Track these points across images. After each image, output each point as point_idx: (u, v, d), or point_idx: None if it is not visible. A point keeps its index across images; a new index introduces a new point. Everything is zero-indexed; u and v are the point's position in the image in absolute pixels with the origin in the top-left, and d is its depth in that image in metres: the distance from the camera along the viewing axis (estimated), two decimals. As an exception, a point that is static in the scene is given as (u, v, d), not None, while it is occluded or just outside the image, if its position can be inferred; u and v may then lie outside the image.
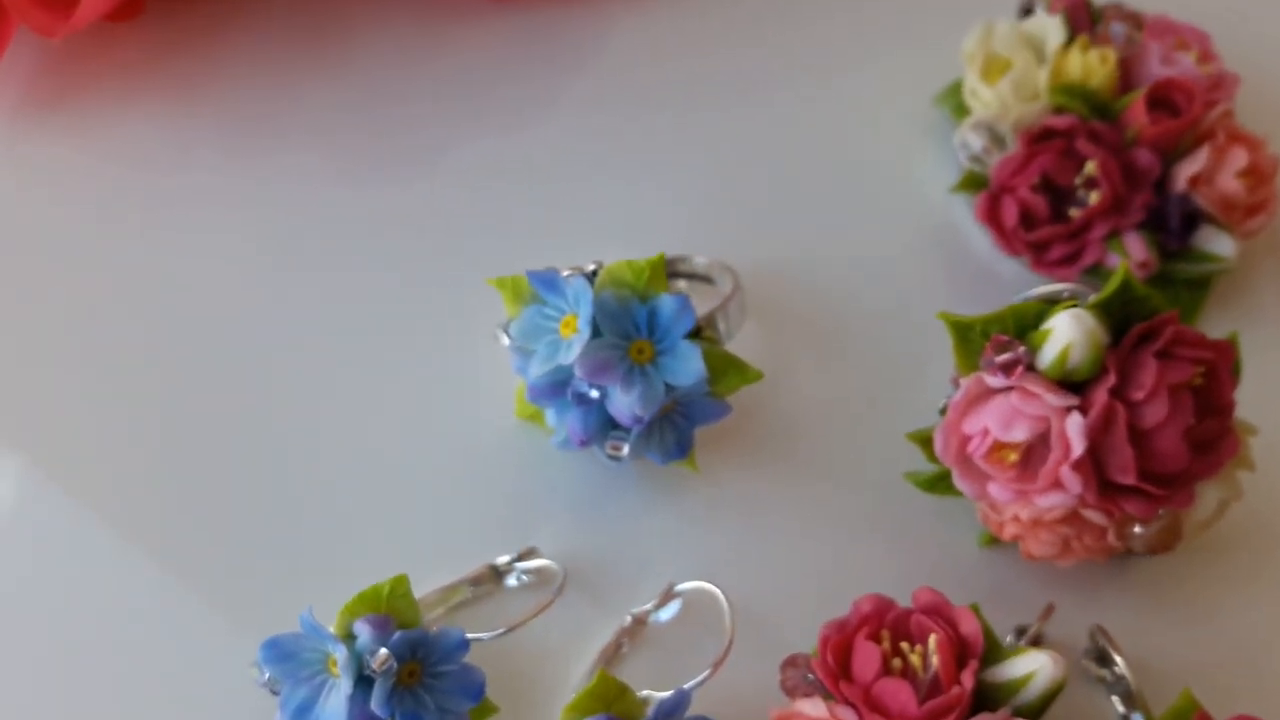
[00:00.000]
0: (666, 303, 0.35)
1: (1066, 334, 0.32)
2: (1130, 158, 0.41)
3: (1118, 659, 0.35)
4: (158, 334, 0.42)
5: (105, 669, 0.37)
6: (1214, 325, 0.44)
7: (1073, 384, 0.34)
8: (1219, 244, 0.41)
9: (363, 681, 0.33)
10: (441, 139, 0.46)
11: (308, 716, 0.34)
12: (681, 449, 0.38)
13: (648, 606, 0.37)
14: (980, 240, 0.44)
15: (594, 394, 0.35)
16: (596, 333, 0.36)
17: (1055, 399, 0.33)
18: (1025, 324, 0.34)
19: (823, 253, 0.43)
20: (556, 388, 0.36)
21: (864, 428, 0.41)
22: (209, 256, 0.43)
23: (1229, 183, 0.41)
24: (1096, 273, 0.42)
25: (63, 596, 0.38)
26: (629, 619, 0.37)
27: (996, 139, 0.43)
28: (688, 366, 0.35)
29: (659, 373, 0.36)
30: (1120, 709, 0.37)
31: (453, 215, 0.44)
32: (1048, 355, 0.33)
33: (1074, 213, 0.41)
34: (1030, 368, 0.34)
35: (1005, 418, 0.33)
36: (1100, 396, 0.33)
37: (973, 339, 0.34)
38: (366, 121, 0.47)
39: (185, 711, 0.36)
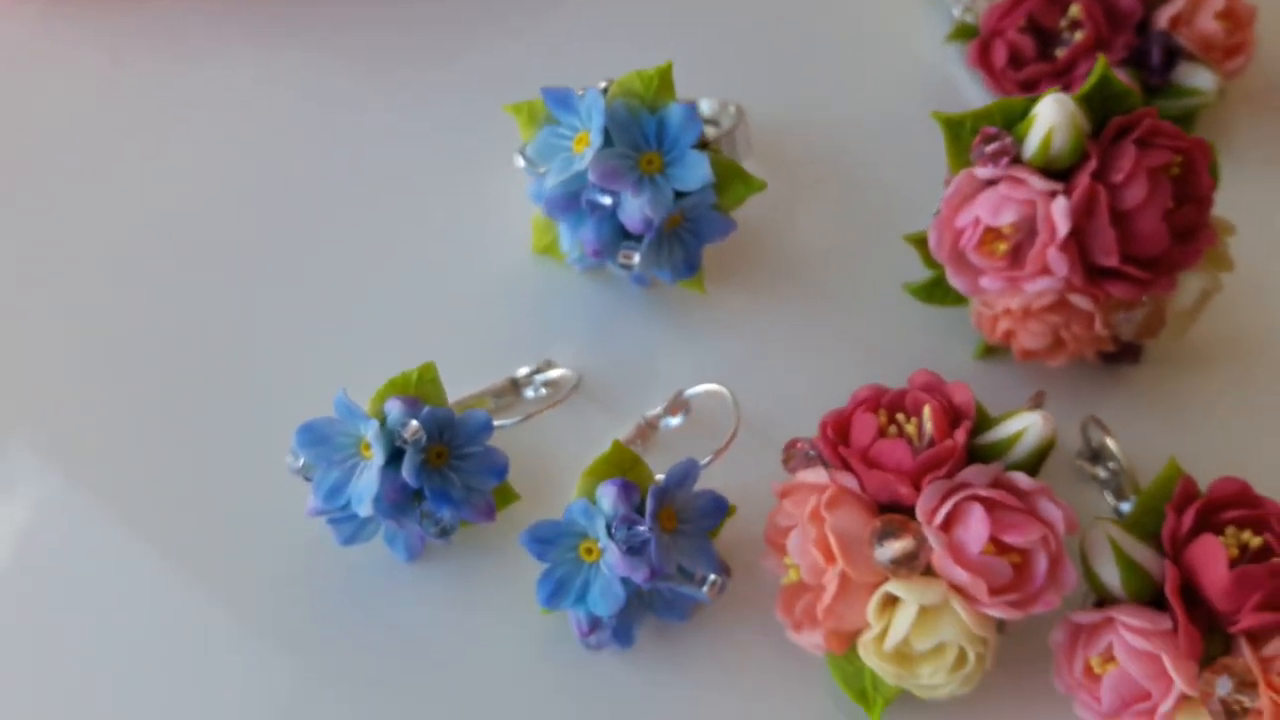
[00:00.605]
0: (674, 112, 0.37)
1: (1049, 117, 0.35)
2: (1112, 1, 0.44)
3: (1108, 441, 0.37)
4: (212, 177, 0.44)
5: (152, 469, 0.39)
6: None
7: (1057, 173, 0.36)
8: (1199, 78, 0.43)
9: (394, 457, 0.35)
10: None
11: (340, 496, 0.36)
12: (690, 266, 0.40)
13: (659, 410, 0.40)
14: (973, 89, 0.46)
15: (606, 200, 0.38)
16: (609, 144, 0.38)
17: (1041, 184, 0.35)
18: (1012, 118, 0.36)
19: (825, 103, 0.46)
20: (570, 199, 0.38)
21: (862, 258, 0.43)
22: (251, 112, 0.45)
23: (1208, 24, 0.43)
24: (1083, 110, 0.44)
25: (118, 421, 0.40)
26: (642, 421, 0.40)
27: (987, -10, 0.45)
28: (695, 172, 0.37)
29: (668, 181, 0.38)
30: (1112, 502, 0.39)
31: (470, 71, 0.46)
32: (1032, 142, 0.35)
33: (1060, 53, 0.43)
34: (1017, 159, 0.36)
35: (995, 205, 0.35)
36: (1083, 180, 0.35)
37: (964, 136, 0.36)
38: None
39: (222, 505, 0.38)
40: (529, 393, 0.40)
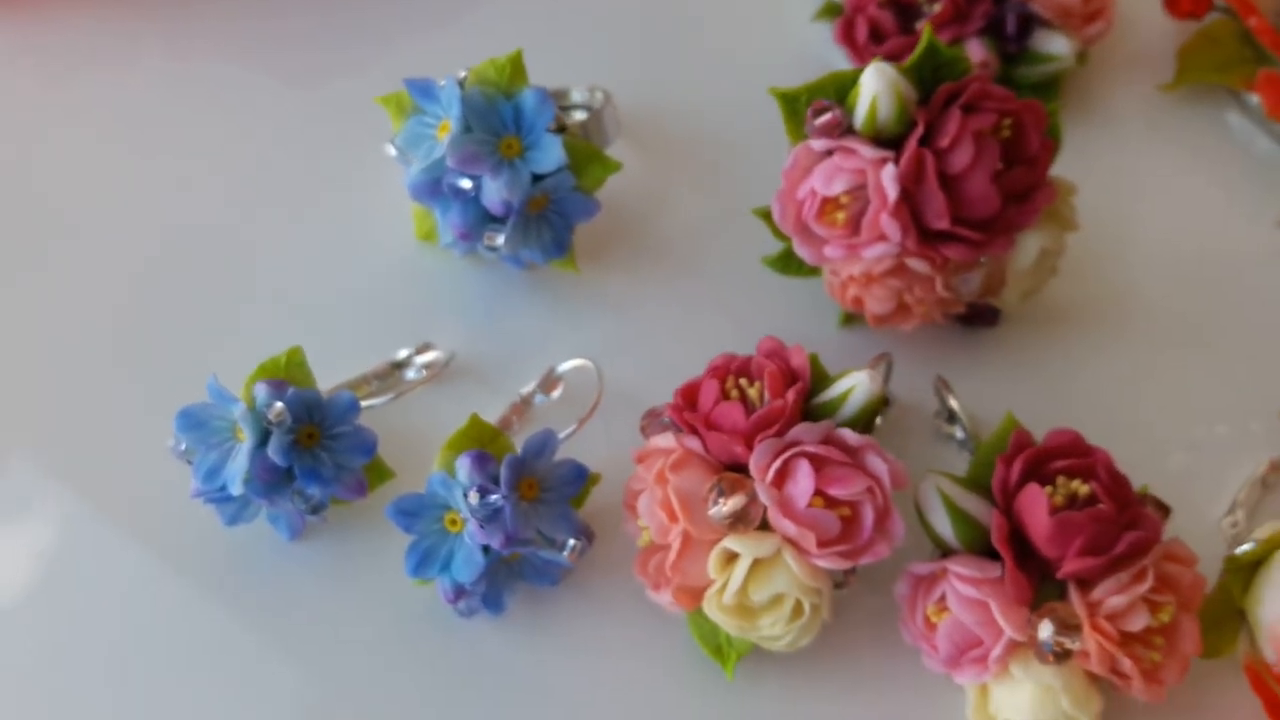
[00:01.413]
0: (528, 97, 0.39)
1: (872, 87, 0.36)
2: (970, -27, 0.45)
3: (950, 400, 0.38)
4: (102, 172, 0.45)
5: (40, 452, 0.40)
6: (1070, 132, 0.46)
7: (889, 141, 0.37)
8: (1054, 44, 0.44)
9: (264, 439, 0.37)
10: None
11: (218, 477, 0.37)
12: (559, 247, 0.42)
13: (532, 386, 0.41)
14: (842, 65, 0.47)
15: (466, 184, 0.39)
16: (470, 130, 0.39)
17: (870, 152, 0.36)
18: (844, 90, 0.37)
19: (697, 85, 0.47)
20: (434, 184, 0.40)
21: (733, 234, 0.44)
22: (144, 110, 0.47)
23: (1064, -9, 0.45)
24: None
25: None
26: (518, 398, 0.41)
27: (850, -31, 0.46)
28: (550, 154, 0.39)
29: (526, 164, 0.39)
30: (970, 459, 0.40)
31: (361, 67, 0.48)
32: (860, 112, 0.37)
33: (919, 26, 0.44)
34: (850, 129, 0.37)
35: (828, 175, 0.37)
36: (910, 146, 0.36)
37: (800, 109, 0.38)
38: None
39: (113, 487, 0.39)
40: (409, 374, 0.42)
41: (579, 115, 0.44)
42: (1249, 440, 0.41)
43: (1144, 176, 0.46)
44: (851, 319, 0.42)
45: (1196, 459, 0.41)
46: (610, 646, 0.38)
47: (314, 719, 0.36)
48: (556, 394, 0.41)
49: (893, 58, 0.43)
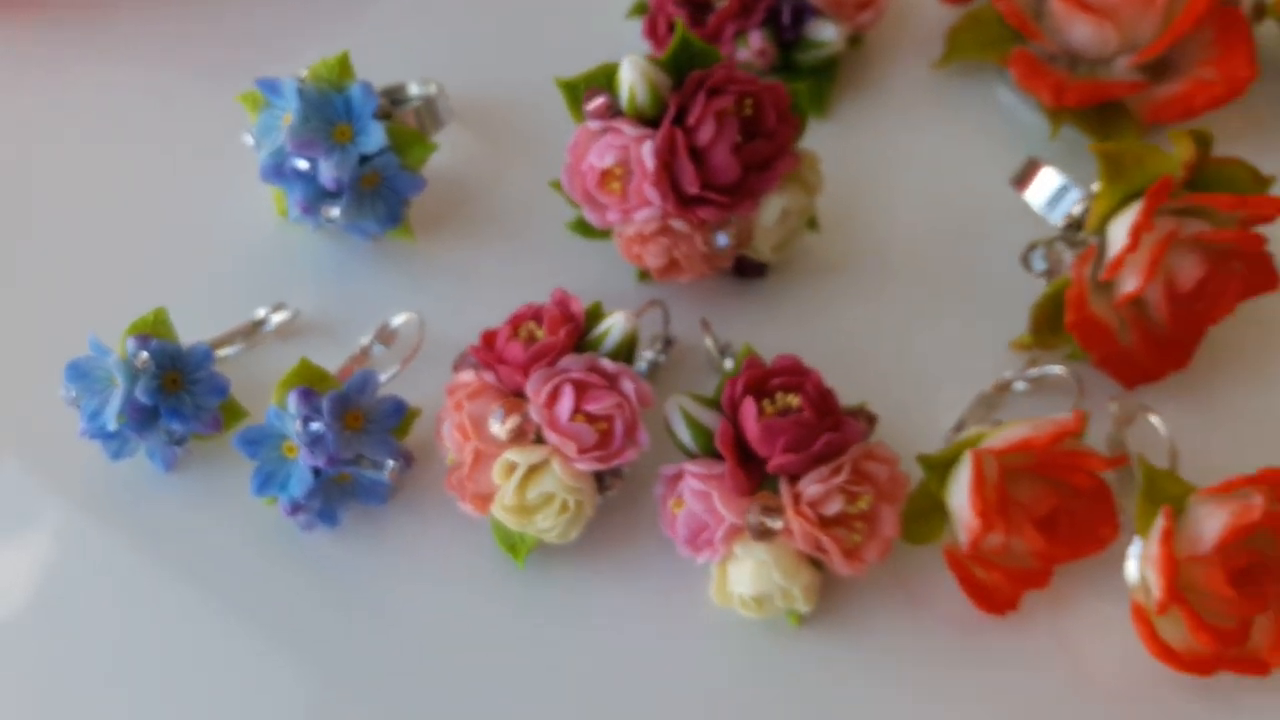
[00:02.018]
0: (355, 90, 0.46)
1: (627, 78, 0.43)
2: (753, -29, 0.52)
3: (708, 339, 0.45)
4: (34, 181, 0.53)
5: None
6: (845, 108, 0.54)
7: (651, 121, 0.44)
8: (824, 31, 0.51)
9: (135, 384, 0.44)
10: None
11: (99, 418, 0.44)
12: (393, 218, 0.48)
13: (370, 338, 0.48)
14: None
15: (303, 165, 0.46)
16: (310, 120, 0.46)
17: (632, 131, 0.43)
18: (613, 78, 0.44)
19: (526, 76, 0.53)
20: (279, 167, 0.47)
21: (549, 206, 0.50)
22: (79, 121, 0.54)
23: (836, -17, 0.51)
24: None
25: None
26: (358, 349, 0.48)
27: (654, -27, 0.53)
28: (374, 138, 0.46)
29: (355, 147, 0.46)
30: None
31: (244, 66, 0.53)
32: (623, 98, 0.43)
33: (709, 18, 0.51)
34: (619, 112, 0.44)
35: (600, 151, 0.43)
36: (664, 126, 0.43)
37: (579, 96, 0.44)
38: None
39: (17, 429, 0.47)
40: (267, 330, 0.49)
41: (416, 104, 0.51)
42: (985, 369, 0.48)
43: (912, 145, 0.53)
44: (645, 275, 0.48)
45: (938, 385, 0.47)
46: (430, 551, 0.45)
47: (182, 617, 0.43)
48: (392, 344, 0.48)
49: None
